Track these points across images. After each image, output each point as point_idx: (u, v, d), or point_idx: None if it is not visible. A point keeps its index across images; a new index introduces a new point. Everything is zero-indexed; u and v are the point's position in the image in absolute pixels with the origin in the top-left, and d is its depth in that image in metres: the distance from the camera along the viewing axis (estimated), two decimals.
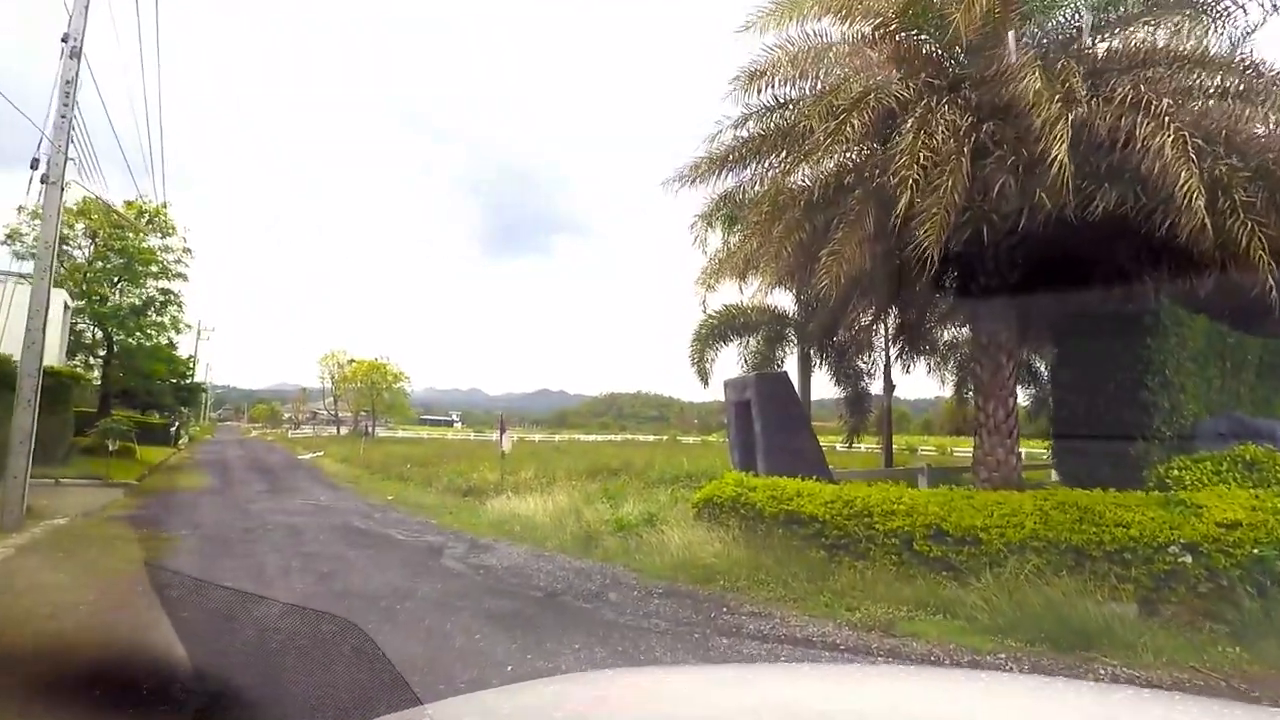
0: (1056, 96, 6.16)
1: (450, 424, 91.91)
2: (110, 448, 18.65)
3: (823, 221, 7.90)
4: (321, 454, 31.63)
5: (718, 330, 14.02)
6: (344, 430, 51.30)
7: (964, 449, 43.94)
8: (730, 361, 14.86)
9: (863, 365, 15.02)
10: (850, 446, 15.71)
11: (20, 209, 24.96)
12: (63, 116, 11.58)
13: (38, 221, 26.14)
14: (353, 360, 47.35)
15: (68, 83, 11.68)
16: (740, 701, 1.47)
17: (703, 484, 15.05)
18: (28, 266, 24.41)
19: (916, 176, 6.25)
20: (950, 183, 6.27)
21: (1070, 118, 6.05)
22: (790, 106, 8.41)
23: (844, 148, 7.23)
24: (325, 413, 60.57)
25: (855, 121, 6.77)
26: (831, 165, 8.07)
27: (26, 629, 5.07)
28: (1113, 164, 6.56)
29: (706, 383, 14.17)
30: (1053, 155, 5.89)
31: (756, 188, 9.57)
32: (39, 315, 11.32)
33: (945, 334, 15.27)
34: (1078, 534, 6.21)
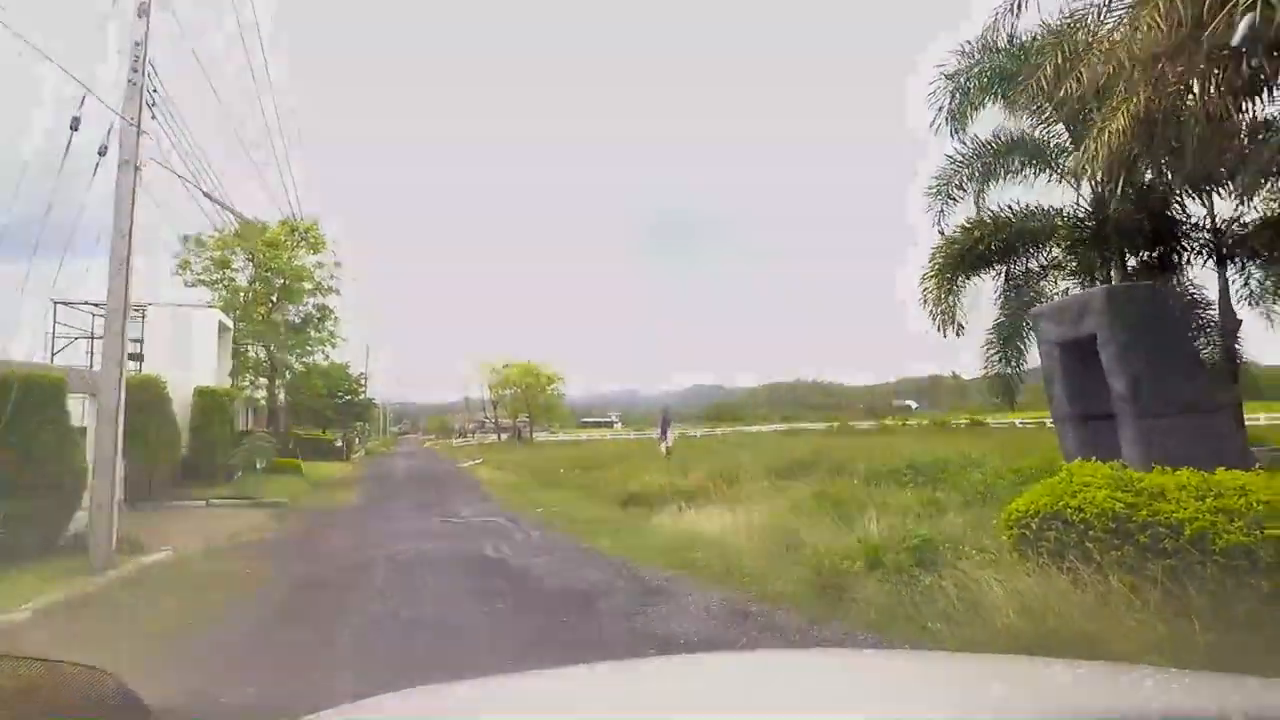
0: None
1: (610, 425, 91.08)
2: (258, 466, 17.67)
3: None
4: (479, 461, 30.46)
5: (975, 250, 9.20)
6: (504, 437, 51.07)
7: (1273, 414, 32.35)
8: (979, 303, 10.09)
9: (1195, 293, 9.76)
10: None
11: (185, 238, 25.34)
12: (131, 83, 9.75)
13: (205, 250, 27.03)
14: (507, 365, 46.64)
15: (136, 44, 9.83)
16: (718, 691, 1.38)
17: (944, 476, 10.66)
18: (192, 295, 24.70)
19: None
20: None
21: None
22: None
23: None
24: (489, 421, 61.24)
25: None
26: None
27: None
28: None
29: (952, 328, 9.53)
30: None
31: None
32: (116, 317, 9.47)
33: None
34: None
